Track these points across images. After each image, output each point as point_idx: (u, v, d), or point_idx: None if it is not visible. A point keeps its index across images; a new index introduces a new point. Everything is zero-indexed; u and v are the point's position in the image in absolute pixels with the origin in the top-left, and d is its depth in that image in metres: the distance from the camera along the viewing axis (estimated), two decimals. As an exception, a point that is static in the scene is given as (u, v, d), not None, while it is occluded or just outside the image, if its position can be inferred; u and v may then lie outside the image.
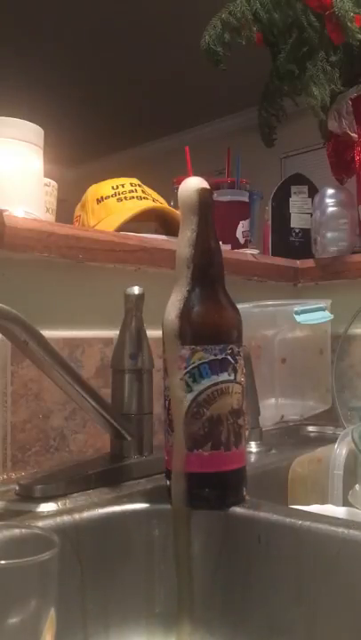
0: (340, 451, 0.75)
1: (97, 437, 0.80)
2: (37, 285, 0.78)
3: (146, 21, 3.60)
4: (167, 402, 0.58)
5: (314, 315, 0.98)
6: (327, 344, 1.07)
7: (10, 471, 0.72)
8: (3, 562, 0.36)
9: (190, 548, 0.57)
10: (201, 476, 0.57)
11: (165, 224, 0.97)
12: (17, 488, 0.61)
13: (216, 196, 1.11)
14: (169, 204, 1.04)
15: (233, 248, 1.15)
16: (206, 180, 0.60)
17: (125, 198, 0.96)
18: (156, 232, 0.95)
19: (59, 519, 0.55)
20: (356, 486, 0.72)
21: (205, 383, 0.56)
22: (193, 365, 0.56)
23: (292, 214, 1.23)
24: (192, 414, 0.56)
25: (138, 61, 4.07)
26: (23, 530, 0.43)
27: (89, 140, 4.92)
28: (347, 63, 1.08)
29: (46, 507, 0.57)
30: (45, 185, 0.90)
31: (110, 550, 0.57)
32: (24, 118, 0.83)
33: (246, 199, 1.23)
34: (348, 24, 0.99)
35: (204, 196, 0.58)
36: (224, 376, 0.57)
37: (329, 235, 1.13)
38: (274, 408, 0.98)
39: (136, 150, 5.33)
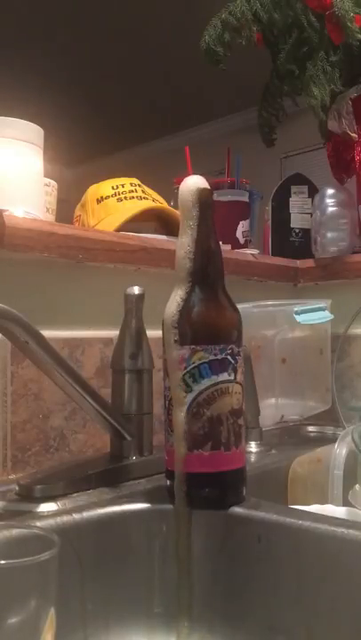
0: (340, 451, 0.75)
1: (97, 437, 0.80)
2: (37, 285, 0.78)
3: (146, 21, 3.60)
4: (167, 402, 0.58)
5: (314, 315, 0.98)
6: (327, 344, 1.07)
7: (10, 471, 0.72)
8: (3, 562, 0.36)
9: (190, 547, 0.57)
10: (201, 476, 0.57)
11: (165, 224, 0.97)
12: (17, 488, 0.61)
13: (216, 196, 1.11)
14: (169, 203, 1.04)
15: (233, 248, 1.14)
16: (206, 180, 0.60)
17: (125, 198, 0.96)
18: (156, 232, 0.95)
19: (59, 519, 0.55)
20: (356, 486, 0.72)
21: (205, 383, 0.56)
22: (193, 365, 0.56)
23: (292, 214, 1.23)
24: (192, 414, 0.56)
25: (138, 61, 4.07)
26: (23, 530, 0.43)
27: (89, 139, 4.92)
28: (347, 63, 1.08)
29: (46, 507, 0.57)
30: (45, 185, 0.90)
31: (110, 550, 0.57)
32: (24, 118, 0.83)
33: (246, 199, 1.23)
34: (349, 24, 0.99)
35: (204, 196, 0.58)
36: (224, 376, 0.57)
37: (329, 235, 1.13)
38: (274, 408, 0.98)
39: (136, 150, 5.33)
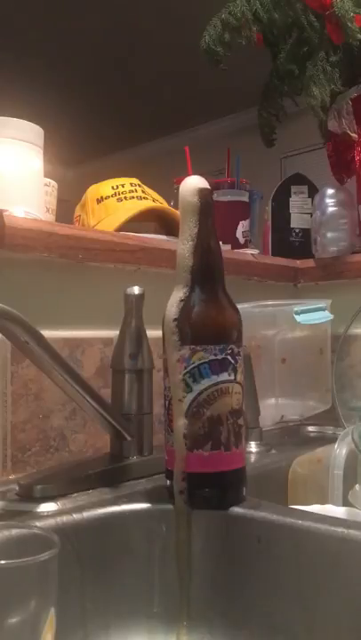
0: (340, 451, 0.75)
1: (97, 437, 0.80)
2: (37, 285, 0.78)
3: (146, 21, 3.60)
4: (167, 402, 0.58)
5: (314, 315, 0.98)
6: (327, 344, 1.07)
7: (10, 471, 0.72)
8: (3, 562, 0.36)
9: (190, 548, 0.57)
10: (201, 476, 0.57)
11: (165, 224, 0.97)
12: (17, 488, 0.61)
13: (216, 196, 1.11)
14: (169, 203, 1.04)
15: (233, 248, 1.14)
16: (206, 180, 0.60)
17: (125, 198, 0.96)
18: (156, 232, 0.95)
19: (59, 519, 0.55)
20: (357, 486, 0.72)
21: (205, 383, 0.56)
22: (193, 365, 0.56)
23: (292, 214, 1.23)
24: (192, 414, 0.56)
25: (138, 61, 4.06)
26: (23, 530, 0.43)
27: (89, 139, 4.92)
28: (347, 63, 1.08)
29: (46, 507, 0.57)
30: (45, 185, 0.90)
31: (110, 550, 0.57)
32: (24, 118, 0.83)
33: (246, 199, 1.23)
34: (349, 24, 0.99)
35: (204, 196, 0.58)
36: (224, 376, 0.57)
37: (329, 235, 1.13)
38: (274, 408, 0.98)
39: (136, 150, 5.33)
